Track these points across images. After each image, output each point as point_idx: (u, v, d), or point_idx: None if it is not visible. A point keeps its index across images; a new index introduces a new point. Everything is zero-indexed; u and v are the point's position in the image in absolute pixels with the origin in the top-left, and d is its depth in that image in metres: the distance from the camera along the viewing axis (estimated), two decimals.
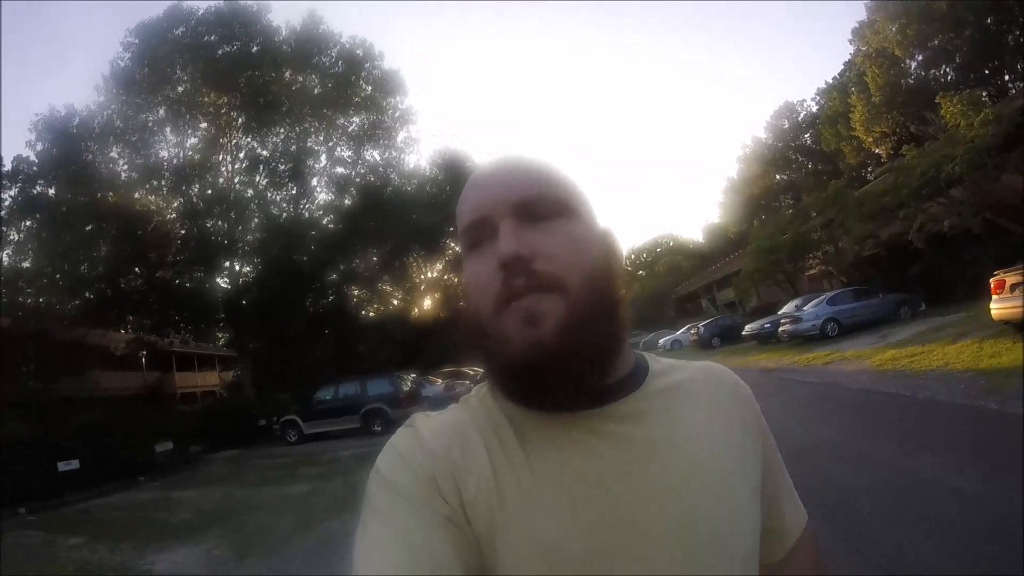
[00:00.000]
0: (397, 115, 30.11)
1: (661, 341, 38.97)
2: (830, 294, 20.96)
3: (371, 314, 32.32)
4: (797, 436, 6.84)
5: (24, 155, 24.38)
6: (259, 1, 27.14)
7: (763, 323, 23.89)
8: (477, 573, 0.62)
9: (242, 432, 20.80)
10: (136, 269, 24.98)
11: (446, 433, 0.71)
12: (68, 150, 24.04)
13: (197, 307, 26.02)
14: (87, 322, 23.65)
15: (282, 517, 8.49)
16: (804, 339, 19.69)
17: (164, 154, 26.58)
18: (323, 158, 29.45)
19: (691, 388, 0.78)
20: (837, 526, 4.11)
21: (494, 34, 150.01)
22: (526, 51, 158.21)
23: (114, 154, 25.91)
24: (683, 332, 37.36)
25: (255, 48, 26.82)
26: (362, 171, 29.75)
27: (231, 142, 27.51)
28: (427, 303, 35.30)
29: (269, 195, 28.11)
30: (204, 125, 27.10)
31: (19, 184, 24.06)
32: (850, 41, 37.20)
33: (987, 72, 33.04)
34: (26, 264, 25.25)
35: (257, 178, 27.55)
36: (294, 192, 28.35)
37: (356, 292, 31.62)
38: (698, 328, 33.53)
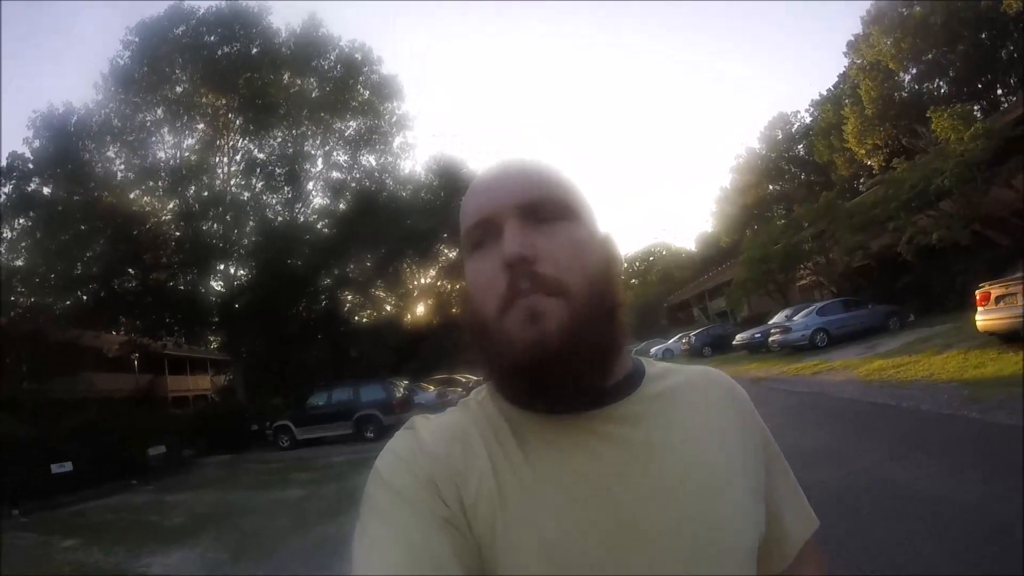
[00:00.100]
0: (394, 120, 30.14)
1: (653, 350, 38.98)
2: (820, 305, 21.12)
3: (364, 319, 32.32)
4: (782, 444, 6.81)
5: (20, 151, 24.31)
6: (260, 1, 27.23)
7: (753, 333, 24.06)
8: (477, 574, 0.63)
9: (235, 437, 20.74)
10: (130, 270, 24.86)
11: (446, 435, 0.72)
12: (65, 148, 23.94)
13: (191, 310, 25.90)
14: (80, 323, 23.54)
15: (277, 521, 8.53)
16: (794, 349, 19.85)
17: (161, 155, 26.55)
18: (319, 162, 29.50)
19: (688, 391, 0.79)
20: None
21: (493, 34, 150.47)
22: (524, 56, 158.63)
23: (111, 153, 25.84)
24: (675, 341, 37.51)
25: (255, 50, 26.85)
26: (358, 176, 29.75)
27: (228, 144, 27.48)
28: (420, 309, 35.42)
29: (265, 198, 28.11)
30: (202, 126, 27.06)
31: (14, 181, 23.96)
32: (845, 54, 37.56)
33: (980, 86, 33.36)
34: (19, 262, 25.14)
35: (253, 181, 27.56)
36: (290, 196, 28.33)
37: (350, 297, 31.61)
38: (689, 337, 33.73)
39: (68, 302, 24.73)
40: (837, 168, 41.10)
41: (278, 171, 27.36)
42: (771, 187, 54.74)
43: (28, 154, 24.16)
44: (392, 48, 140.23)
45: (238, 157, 27.89)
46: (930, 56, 32.04)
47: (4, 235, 24.47)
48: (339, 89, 28.47)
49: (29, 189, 24.25)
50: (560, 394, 0.68)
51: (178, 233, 25.99)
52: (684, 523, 0.66)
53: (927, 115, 20.39)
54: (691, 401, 0.77)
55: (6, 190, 23.92)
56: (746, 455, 0.76)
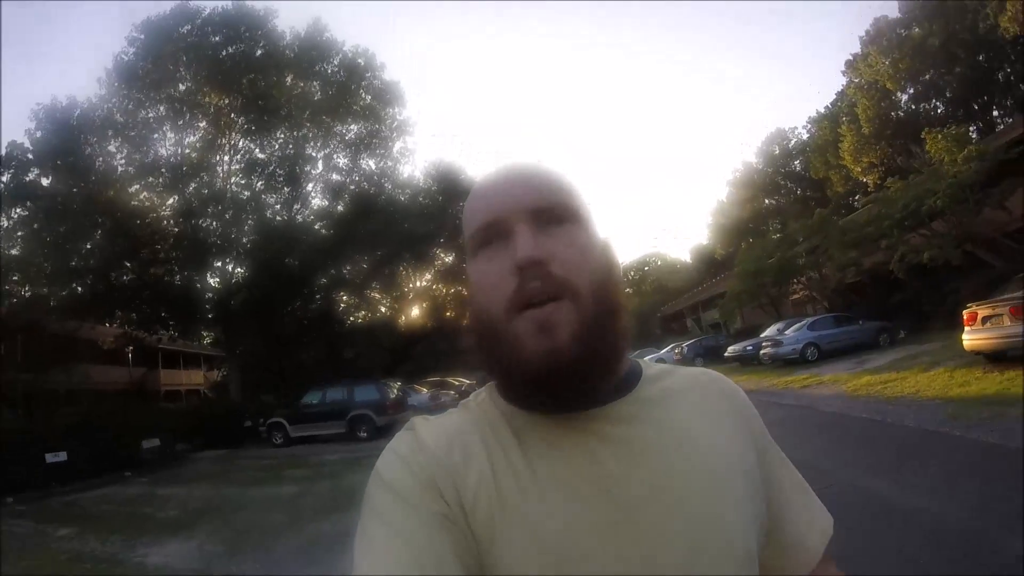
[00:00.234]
0: (395, 126, 30.44)
1: (646, 359, 38.70)
2: (811, 319, 21.31)
3: (359, 320, 32.44)
4: None
5: (19, 141, 24.31)
6: (266, 3, 27.39)
7: (745, 345, 24.21)
8: (476, 574, 0.64)
9: (228, 432, 20.79)
10: (127, 264, 24.90)
11: (446, 436, 0.72)
12: (67, 141, 23.99)
13: (187, 306, 26.00)
14: (76, 314, 23.58)
15: (271, 516, 8.61)
16: (785, 362, 20.01)
17: (162, 151, 26.69)
18: (320, 164, 29.71)
19: (686, 392, 0.80)
20: None
21: (495, 36, 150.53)
22: (526, 61, 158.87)
23: (112, 148, 25.96)
24: (667, 351, 37.58)
25: (259, 52, 27.01)
26: (357, 179, 29.98)
27: (229, 143, 27.63)
28: (415, 312, 35.54)
29: (264, 198, 28.24)
30: (203, 125, 27.21)
31: (12, 170, 23.93)
32: (843, 72, 37.74)
33: (976, 107, 33.66)
34: (14, 251, 25.09)
35: (254, 180, 27.69)
36: (289, 196, 28.49)
37: (345, 298, 31.75)
38: (682, 347, 33.84)
39: (64, 293, 24.74)
40: (833, 184, 41.31)
41: (278, 172, 27.50)
42: (767, 201, 54.99)
43: (28, 144, 24.20)
44: (393, 49, 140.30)
45: (239, 156, 28.07)
46: (927, 77, 32.34)
47: (1, 224, 24.47)
48: (341, 93, 28.67)
49: (27, 179, 24.24)
50: (569, 397, 0.69)
51: (176, 229, 26.02)
52: (682, 522, 0.66)
53: (922, 136, 20.62)
54: (689, 401, 0.78)
55: (4, 179, 23.92)
56: (745, 455, 0.76)
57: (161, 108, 26.35)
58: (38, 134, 24.32)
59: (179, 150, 26.92)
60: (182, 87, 26.65)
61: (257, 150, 28.19)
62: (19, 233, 24.66)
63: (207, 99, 26.75)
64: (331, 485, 10.52)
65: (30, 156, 24.10)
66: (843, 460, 6.83)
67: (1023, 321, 9.43)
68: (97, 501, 11.47)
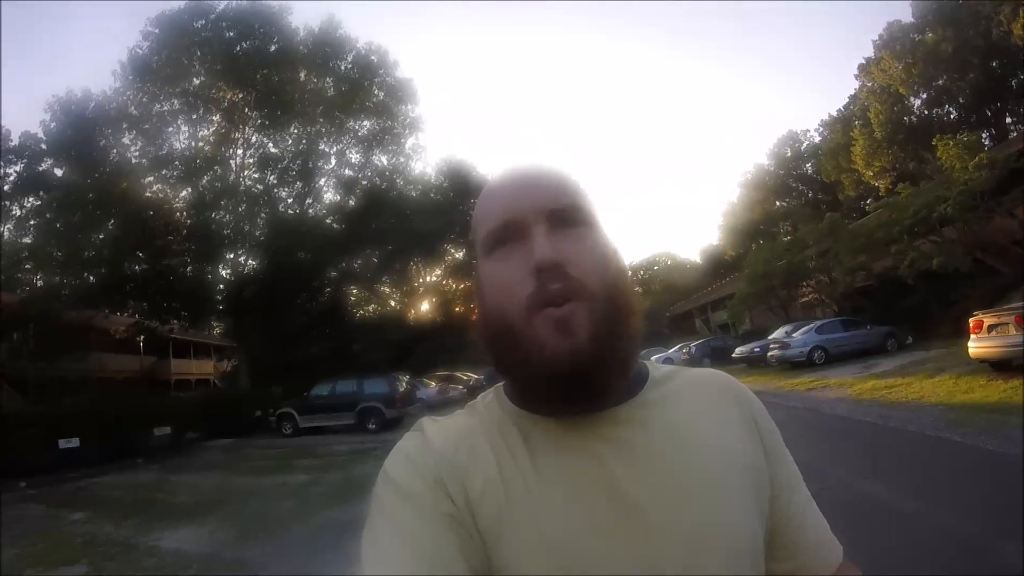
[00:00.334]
0: (407, 122, 30.64)
1: (653, 358, 37.93)
2: (819, 323, 21.31)
3: (368, 314, 32.63)
4: None
5: (32, 132, 24.44)
6: (280, 0, 27.52)
7: (753, 347, 24.23)
8: (483, 574, 0.64)
9: (238, 422, 21.00)
10: (140, 254, 25.08)
11: (453, 437, 0.73)
12: (82, 132, 24.12)
13: (198, 296, 26.20)
14: (88, 304, 23.81)
15: (282, 504, 8.75)
16: (792, 365, 20.00)
17: (176, 144, 26.93)
18: (332, 159, 29.93)
19: (691, 394, 0.79)
20: None
21: (506, 38, 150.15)
22: (534, 59, 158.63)
23: (126, 140, 26.13)
24: (675, 351, 37.49)
25: (273, 47, 27.15)
26: (369, 174, 30.19)
27: (243, 137, 27.84)
28: (425, 306, 35.69)
29: (276, 192, 28.48)
30: (217, 119, 27.45)
31: (25, 160, 24.06)
32: (856, 76, 37.70)
33: (989, 114, 33.54)
34: (27, 240, 25.25)
35: (267, 175, 27.92)
36: (301, 191, 28.72)
37: (355, 292, 31.97)
38: (690, 347, 33.76)
39: (76, 282, 24.95)
40: (844, 188, 41.25)
41: (292, 167, 27.72)
42: (778, 203, 54.93)
43: (41, 134, 24.37)
44: (406, 46, 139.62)
45: (252, 151, 28.30)
46: (940, 82, 32.28)
47: (13, 213, 24.61)
48: (354, 90, 28.83)
49: (40, 169, 24.39)
50: (583, 398, 0.70)
51: (189, 221, 26.22)
52: (686, 524, 0.66)
53: (933, 143, 20.60)
54: (695, 403, 0.78)
55: (16, 169, 24.06)
56: (752, 457, 0.76)
57: (175, 102, 26.56)
58: (52, 125, 24.52)
59: (193, 144, 27.22)
60: (196, 81, 26.83)
61: (271, 145, 28.46)
62: (31, 222, 24.85)
63: (221, 94, 26.93)
64: (341, 475, 10.66)
65: (43, 146, 24.26)
66: (842, 461, 6.93)
67: None
68: (109, 487, 11.61)
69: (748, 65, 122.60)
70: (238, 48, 26.48)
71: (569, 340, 0.65)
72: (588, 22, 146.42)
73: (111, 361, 29.10)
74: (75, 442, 13.98)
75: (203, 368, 40.71)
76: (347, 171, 30.32)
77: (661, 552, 0.65)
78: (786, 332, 21.81)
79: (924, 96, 33.90)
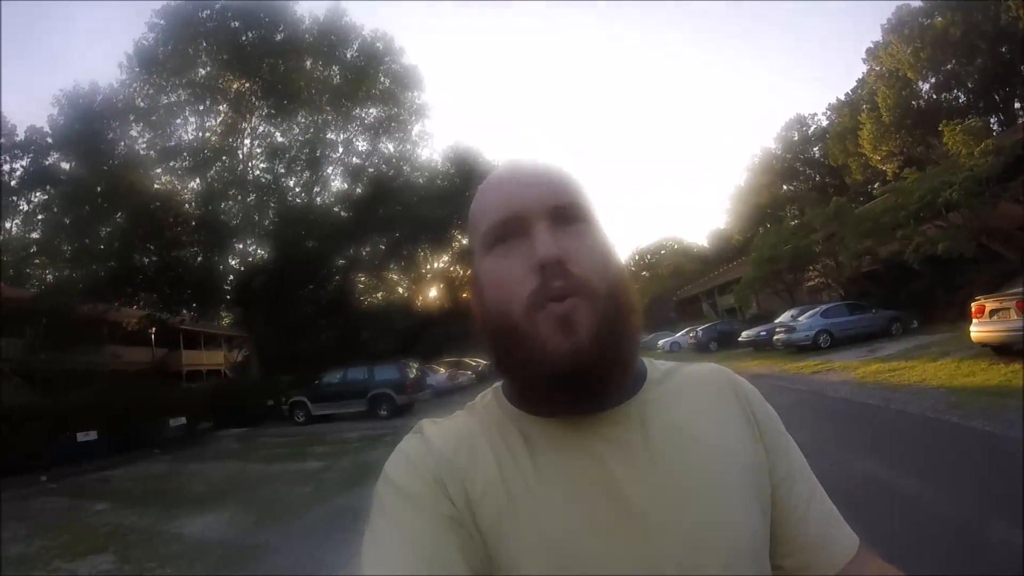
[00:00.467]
0: (413, 109, 30.77)
1: (660, 342, 38.96)
2: (824, 307, 21.33)
3: (377, 301, 32.82)
4: None
5: (38, 126, 24.57)
6: None
7: (759, 331, 24.25)
8: (483, 574, 0.65)
9: (250, 411, 21.26)
10: (150, 246, 25.34)
11: (453, 438, 0.73)
12: (89, 125, 24.37)
13: (208, 287, 26.47)
14: (98, 296, 24.04)
15: (297, 490, 8.95)
16: (797, 349, 20.07)
17: (183, 136, 27.11)
18: (339, 148, 30.05)
19: (690, 392, 0.79)
20: None
21: (510, 31, 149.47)
22: (541, 50, 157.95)
23: (134, 133, 26.38)
24: (682, 335, 37.49)
25: (279, 36, 27.26)
26: (376, 161, 30.38)
27: (250, 127, 27.98)
28: (432, 293, 35.87)
29: (284, 182, 28.65)
30: (224, 109, 27.57)
31: (31, 155, 24.10)
32: (864, 60, 37.52)
33: (997, 99, 33.37)
34: (34, 235, 25.37)
35: (275, 164, 28.10)
36: (309, 179, 28.90)
37: (362, 279, 32.15)
38: (696, 332, 33.78)
39: (84, 274, 25.22)
40: (851, 172, 41.10)
41: (299, 156, 27.85)
42: (785, 187, 54.79)
43: (47, 129, 24.44)
44: (408, 33, 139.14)
45: (259, 140, 28.47)
46: (949, 67, 32.10)
47: (20, 208, 24.73)
48: (360, 77, 28.99)
49: (46, 163, 24.46)
50: (585, 397, 0.70)
51: (198, 212, 26.42)
52: (685, 525, 0.66)
53: (939, 128, 20.59)
54: (694, 402, 0.78)
55: (23, 163, 24.12)
56: (752, 453, 0.76)
57: (182, 93, 26.74)
58: (60, 120, 24.70)
59: (200, 134, 27.40)
60: (202, 72, 27.01)
61: (278, 134, 28.65)
62: (39, 217, 24.97)
63: (227, 84, 27.09)
64: (354, 461, 10.84)
65: (49, 140, 24.33)
66: (844, 442, 7.09)
67: None
68: (128, 477, 11.80)
69: (756, 48, 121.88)
70: (244, 38, 26.62)
71: (571, 338, 0.65)
72: (596, 5, 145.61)
73: (123, 353, 29.35)
74: (93, 435, 14.23)
75: (214, 359, 40.89)
76: (354, 159, 30.60)
77: (661, 552, 0.65)
78: (792, 316, 21.87)
79: (932, 80, 33.75)
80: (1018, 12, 24.49)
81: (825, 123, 50.46)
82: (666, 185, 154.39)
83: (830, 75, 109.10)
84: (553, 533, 0.65)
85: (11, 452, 12.41)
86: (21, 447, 12.65)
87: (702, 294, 53.96)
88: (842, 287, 26.39)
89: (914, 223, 18.92)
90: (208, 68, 27.05)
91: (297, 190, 29.16)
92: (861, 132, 36.53)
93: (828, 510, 0.79)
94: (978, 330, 10.89)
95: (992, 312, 10.52)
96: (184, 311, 27.94)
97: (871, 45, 36.48)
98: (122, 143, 25.74)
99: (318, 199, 29.33)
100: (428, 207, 27.80)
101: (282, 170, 28.31)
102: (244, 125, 27.76)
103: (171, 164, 26.66)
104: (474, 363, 27.03)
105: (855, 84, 42.45)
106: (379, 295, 33.81)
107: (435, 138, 65.84)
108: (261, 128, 28.44)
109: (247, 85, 27.13)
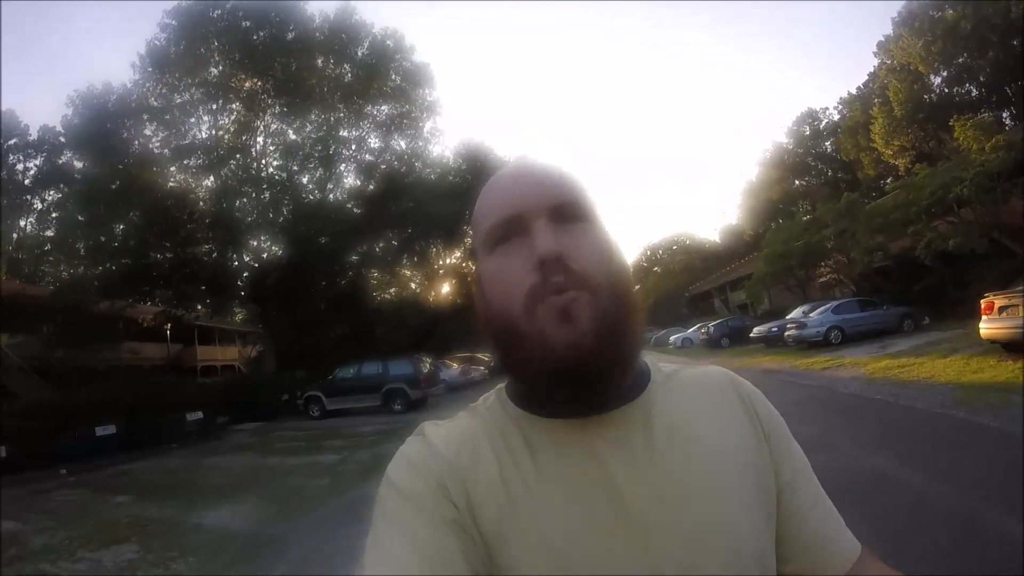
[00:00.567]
0: (425, 106, 30.89)
1: (672, 338, 39.22)
2: (836, 303, 21.38)
3: (389, 297, 32.98)
4: None
5: (51, 126, 24.73)
6: None
7: (771, 327, 24.28)
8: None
9: (266, 406, 21.46)
10: (165, 243, 25.50)
11: (455, 440, 0.73)
12: (103, 124, 24.63)
13: (222, 284, 26.68)
14: (114, 293, 24.33)
15: (315, 482, 9.11)
16: (808, 344, 20.15)
17: (197, 134, 27.35)
18: (352, 145, 30.19)
19: (693, 394, 0.79)
20: None
21: (522, 28, 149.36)
22: (554, 45, 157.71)
23: (148, 132, 26.64)
24: (694, 331, 37.51)
25: (290, 35, 27.41)
26: (388, 158, 30.53)
27: (263, 125, 28.18)
28: (444, 289, 35.98)
29: (297, 179, 28.84)
30: (237, 107, 27.76)
31: (44, 154, 24.24)
32: (875, 54, 37.36)
33: (1009, 92, 33.14)
34: (49, 233, 25.57)
35: (288, 162, 28.28)
36: (322, 176, 29.08)
37: (375, 275, 32.30)
38: (708, 328, 33.87)
39: (99, 271, 25.54)
40: (863, 167, 40.88)
41: (312, 153, 28.02)
42: (797, 182, 54.56)
43: (60, 128, 24.59)
44: (419, 31, 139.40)
45: (272, 139, 28.68)
46: (960, 60, 31.88)
47: (35, 206, 24.95)
48: (372, 75, 29.10)
49: (60, 162, 24.59)
50: (586, 395, 0.69)
51: (212, 209, 26.60)
52: (685, 525, 0.66)
53: (950, 123, 20.55)
54: (696, 404, 0.78)
55: (36, 163, 24.27)
56: (755, 455, 0.76)
57: (195, 92, 26.96)
58: (75, 120, 24.93)
59: (214, 133, 27.59)
60: (215, 71, 27.23)
61: (291, 132, 28.82)
62: (53, 215, 25.17)
63: (240, 83, 27.26)
64: (369, 453, 11.01)
65: (62, 139, 24.49)
66: (851, 436, 7.18)
67: None
68: (147, 471, 11.99)
69: (767, 42, 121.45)
70: (255, 37, 26.80)
71: (570, 329, 0.65)
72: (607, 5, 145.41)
73: (139, 349, 29.69)
74: (112, 429, 14.46)
75: (228, 354, 41.15)
76: (367, 156, 30.69)
77: (661, 552, 0.65)
78: (803, 312, 21.87)
79: (944, 74, 33.52)
80: None
81: (836, 117, 50.26)
82: (678, 181, 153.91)
83: (841, 69, 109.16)
84: (553, 533, 0.65)
85: (31, 447, 12.65)
86: (40, 442, 12.88)
87: (714, 290, 53.91)
88: (854, 283, 26.33)
89: (925, 219, 18.94)
90: (220, 67, 27.25)
91: (310, 187, 29.35)
92: (873, 126, 36.35)
93: (831, 514, 0.79)
94: (987, 327, 10.93)
95: (1001, 309, 10.57)
96: (199, 307, 28.19)
97: (882, 39, 36.37)
98: (136, 142, 25.98)
99: (331, 196, 29.48)
100: (440, 203, 27.86)
101: (295, 167, 28.48)
102: (257, 123, 27.95)
103: (185, 162, 26.90)
104: (486, 358, 27.10)
105: (866, 78, 42.42)
106: (392, 291, 33.95)
107: (446, 135, 65.86)
108: (274, 126, 28.66)
109: (259, 84, 27.27)
